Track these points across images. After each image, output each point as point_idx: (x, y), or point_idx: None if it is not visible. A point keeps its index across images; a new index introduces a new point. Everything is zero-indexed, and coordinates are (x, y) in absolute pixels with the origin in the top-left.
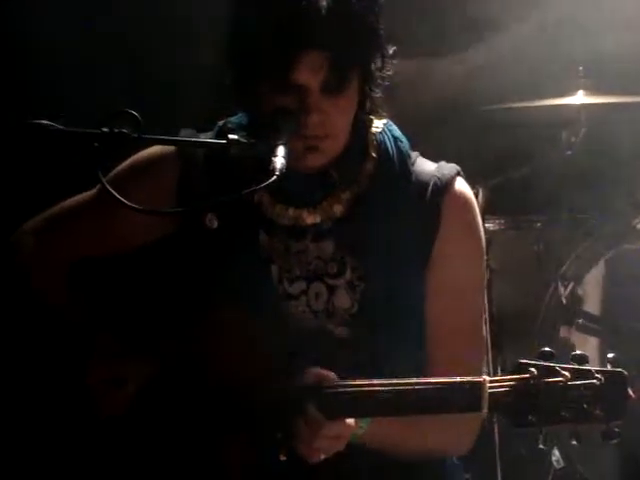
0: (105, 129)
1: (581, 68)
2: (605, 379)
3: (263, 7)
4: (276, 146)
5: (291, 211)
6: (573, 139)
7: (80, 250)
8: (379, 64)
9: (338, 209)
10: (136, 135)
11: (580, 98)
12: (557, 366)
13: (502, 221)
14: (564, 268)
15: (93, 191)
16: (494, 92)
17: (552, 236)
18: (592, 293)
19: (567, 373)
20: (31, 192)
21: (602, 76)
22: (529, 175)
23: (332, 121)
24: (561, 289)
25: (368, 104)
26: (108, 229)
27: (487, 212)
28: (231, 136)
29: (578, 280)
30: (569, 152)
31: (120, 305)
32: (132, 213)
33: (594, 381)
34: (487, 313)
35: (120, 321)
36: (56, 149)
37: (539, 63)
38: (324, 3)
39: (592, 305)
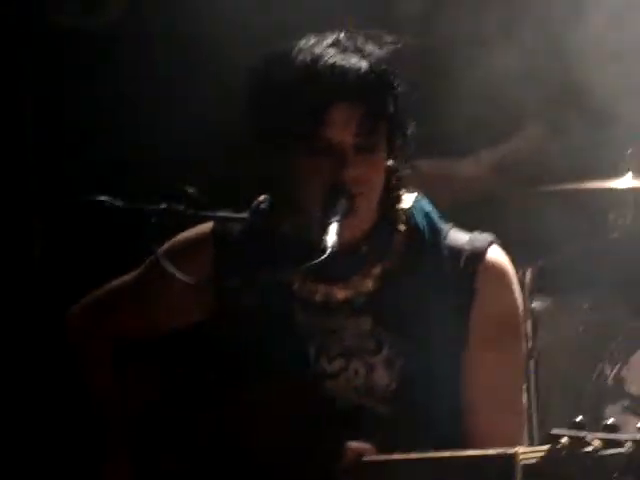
0: (163, 205)
1: (630, 151)
2: (636, 448)
3: (298, 64)
4: (328, 224)
5: (322, 287)
6: (620, 221)
7: (125, 329)
8: (405, 129)
9: (369, 284)
10: (192, 212)
11: (628, 181)
12: (588, 435)
13: (549, 301)
14: (610, 349)
15: (139, 269)
16: (541, 174)
17: (598, 317)
18: (637, 375)
19: (598, 442)
20: (86, 268)
21: None
22: (576, 256)
23: (366, 178)
24: (607, 370)
25: (396, 174)
26: (152, 306)
27: (534, 292)
28: (282, 214)
29: (624, 361)
30: (615, 235)
31: (160, 387)
32: (176, 290)
33: (624, 450)
34: (534, 393)
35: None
36: (114, 225)
37: (587, 145)
38: (364, 63)
39: (637, 387)
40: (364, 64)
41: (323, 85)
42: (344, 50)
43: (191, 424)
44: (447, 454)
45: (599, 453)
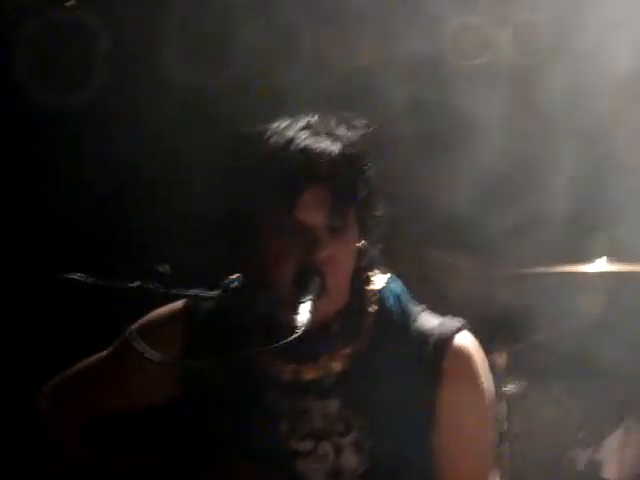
0: (135, 283)
1: (604, 235)
2: None
3: (270, 147)
4: (300, 303)
5: (291, 367)
6: (593, 306)
7: (96, 408)
8: (376, 210)
9: (338, 365)
10: (164, 290)
11: (602, 265)
12: None
13: (523, 384)
14: (582, 433)
15: (111, 347)
16: (516, 257)
17: (571, 401)
18: (609, 459)
19: None
20: (58, 345)
21: (626, 243)
22: (549, 340)
23: (338, 258)
24: (580, 454)
25: (367, 255)
26: (124, 384)
27: (507, 376)
28: (252, 293)
29: (597, 446)
30: (589, 318)
31: (129, 466)
32: (146, 369)
33: None
34: (508, 476)
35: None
36: (87, 303)
37: (562, 227)
38: (336, 146)
39: (609, 471)
40: (336, 147)
41: (295, 168)
42: (316, 133)
43: None
44: None
45: None
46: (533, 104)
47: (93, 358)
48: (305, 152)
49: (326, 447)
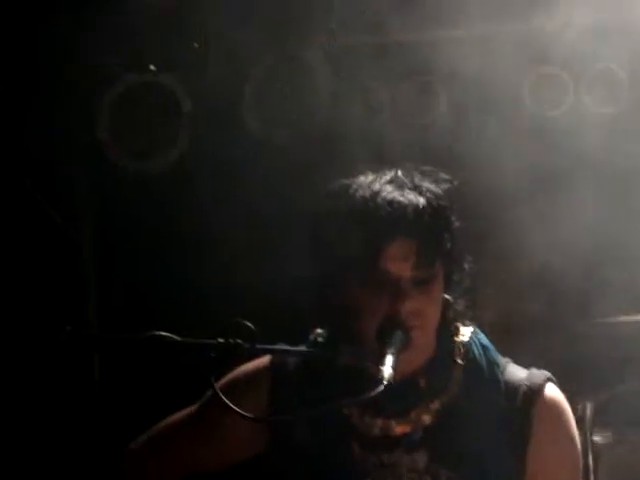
0: (221, 340)
1: None
2: None
3: (357, 200)
4: (384, 356)
5: (380, 421)
6: None
7: (182, 465)
8: (461, 263)
9: (427, 419)
10: (249, 345)
11: None
12: None
13: (610, 434)
14: None
15: (198, 404)
16: (598, 306)
17: None
18: None
19: None
20: (145, 402)
21: None
22: (636, 388)
23: (423, 311)
24: None
25: (453, 308)
26: (210, 442)
27: (595, 426)
28: (339, 347)
29: None
30: None
31: None
32: (234, 425)
33: None
34: None
35: None
36: (173, 360)
37: None
38: (421, 199)
39: None
40: (421, 200)
41: (382, 220)
42: (401, 186)
43: None
44: None
45: None
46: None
47: (179, 415)
48: (392, 204)
49: None
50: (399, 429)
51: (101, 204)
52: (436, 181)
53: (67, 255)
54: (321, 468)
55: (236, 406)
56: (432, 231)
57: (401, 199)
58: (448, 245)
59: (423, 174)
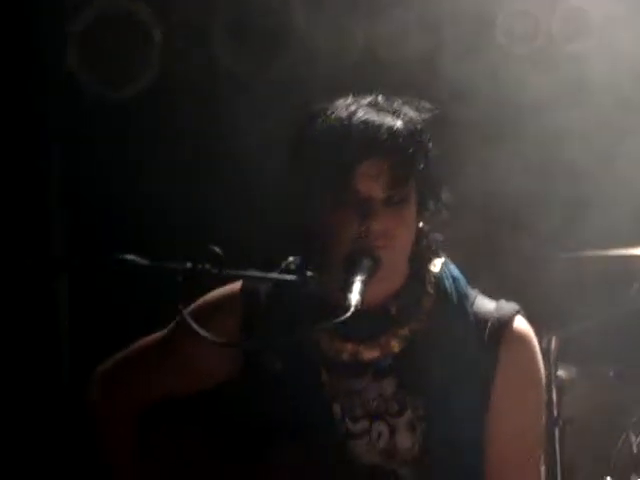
0: (189, 264)
1: None
2: None
3: (332, 120)
4: (352, 283)
5: (349, 346)
6: None
7: (150, 390)
8: (437, 191)
9: (396, 345)
10: (217, 271)
11: None
12: None
13: (574, 369)
14: (635, 418)
15: (166, 329)
16: (568, 241)
17: (624, 386)
18: None
19: None
20: (113, 326)
21: None
22: (602, 324)
23: (394, 232)
24: (632, 438)
25: (427, 237)
26: (179, 367)
27: (560, 360)
28: (309, 273)
29: None
30: None
31: (182, 447)
32: (203, 351)
33: None
34: (558, 461)
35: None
36: (140, 283)
37: (612, 213)
38: (398, 122)
39: None
40: (398, 123)
41: (354, 139)
42: (380, 109)
43: None
44: None
45: None
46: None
47: (148, 339)
48: (366, 124)
49: (380, 427)
50: (368, 354)
51: (70, 132)
52: (418, 109)
53: (34, 182)
54: (289, 394)
55: (206, 331)
56: (405, 152)
57: (376, 119)
58: (421, 167)
59: (405, 101)
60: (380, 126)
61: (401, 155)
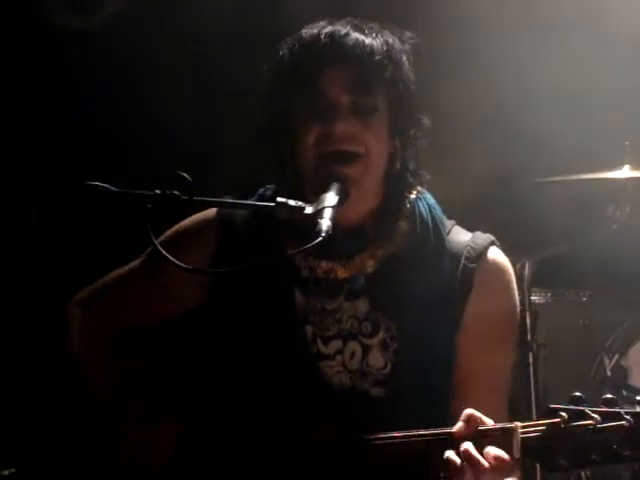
0: (157, 191)
1: (627, 143)
2: (635, 421)
3: (306, 32)
4: (323, 209)
5: (324, 264)
6: (618, 213)
7: (124, 317)
8: (411, 112)
9: (371, 265)
10: (187, 197)
11: (626, 172)
12: (587, 409)
13: (549, 294)
14: (609, 341)
15: (140, 258)
16: (541, 165)
17: (598, 310)
18: (636, 366)
19: (597, 416)
20: (83, 254)
21: None
22: (576, 249)
23: (361, 137)
24: (606, 361)
25: (401, 158)
26: (153, 293)
27: (534, 285)
28: (279, 199)
29: (623, 353)
30: (615, 226)
31: (158, 370)
32: (176, 277)
33: (623, 423)
34: (532, 385)
35: (157, 386)
36: (109, 210)
37: (585, 137)
38: (369, 38)
39: (636, 378)
40: (369, 38)
41: (324, 45)
42: (356, 28)
43: (186, 406)
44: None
45: (598, 426)
46: None
47: (124, 268)
48: (339, 34)
49: (354, 347)
50: (342, 272)
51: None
52: (400, 38)
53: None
54: (263, 316)
55: (182, 256)
56: (371, 60)
57: (345, 31)
58: (392, 81)
59: (385, 27)
60: (347, 35)
61: (367, 63)
